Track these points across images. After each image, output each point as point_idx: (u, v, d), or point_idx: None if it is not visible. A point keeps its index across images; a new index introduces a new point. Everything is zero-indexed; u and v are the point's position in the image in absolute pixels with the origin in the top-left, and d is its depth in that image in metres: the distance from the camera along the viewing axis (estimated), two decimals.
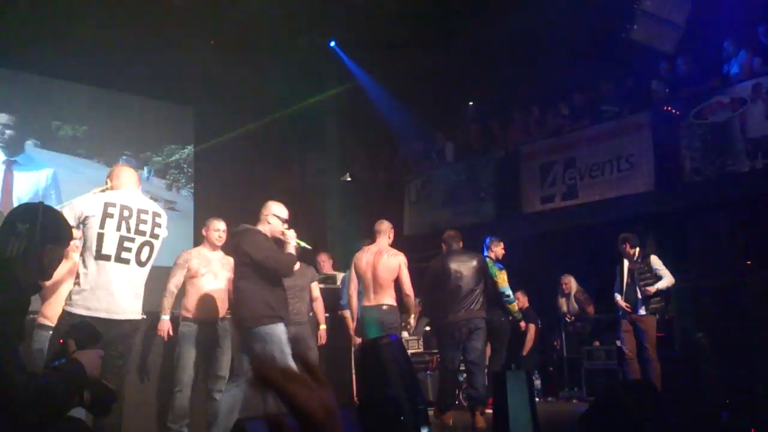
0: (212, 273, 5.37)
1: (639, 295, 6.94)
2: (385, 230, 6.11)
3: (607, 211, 8.39)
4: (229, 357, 5.36)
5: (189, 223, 9.50)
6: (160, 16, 8.35)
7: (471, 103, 11.03)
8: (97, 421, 3.44)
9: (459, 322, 6.14)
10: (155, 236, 3.99)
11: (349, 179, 11.39)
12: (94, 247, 3.77)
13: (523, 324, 7.85)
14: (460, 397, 7.14)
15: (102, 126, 9.25)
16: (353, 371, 6.77)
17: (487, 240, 6.99)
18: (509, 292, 6.85)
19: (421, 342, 8.13)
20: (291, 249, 4.69)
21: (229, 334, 5.40)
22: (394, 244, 6.18)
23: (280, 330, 4.56)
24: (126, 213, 3.87)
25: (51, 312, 4.61)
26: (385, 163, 11.50)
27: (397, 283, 6.00)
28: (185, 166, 10.20)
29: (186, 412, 5.18)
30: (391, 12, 9.15)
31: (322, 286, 6.79)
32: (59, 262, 2.70)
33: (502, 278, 6.78)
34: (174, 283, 5.30)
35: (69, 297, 3.79)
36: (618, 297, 7.06)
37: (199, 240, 8.86)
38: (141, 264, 3.92)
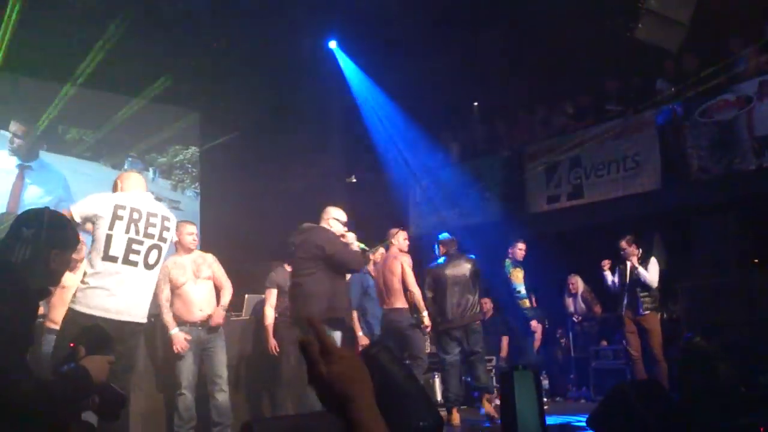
0: (191, 278, 5.33)
1: (639, 296, 7.02)
2: (391, 235, 6.49)
3: (613, 210, 8.37)
4: (224, 355, 5.37)
5: (196, 222, 9.51)
6: (168, 20, 8.38)
7: (476, 104, 11.02)
8: (104, 424, 3.44)
9: (455, 323, 6.36)
10: (164, 239, 4.00)
11: (354, 180, 11.39)
12: (102, 248, 3.78)
13: (534, 323, 7.86)
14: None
15: (108, 129, 9.27)
16: None
17: (511, 241, 7.41)
18: (520, 288, 7.13)
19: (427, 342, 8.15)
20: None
21: (221, 337, 5.40)
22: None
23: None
24: (135, 215, 3.88)
25: (59, 316, 4.62)
26: (390, 163, 11.48)
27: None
28: (189, 166, 10.23)
29: (192, 414, 5.18)
30: (395, 12, 9.14)
31: None
32: (67, 266, 2.70)
33: (515, 275, 7.14)
34: (165, 297, 5.23)
35: (74, 295, 3.80)
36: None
37: (204, 240, 8.97)
38: (149, 267, 3.93)
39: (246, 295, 6.70)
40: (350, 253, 4.91)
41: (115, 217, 3.82)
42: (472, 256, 6.72)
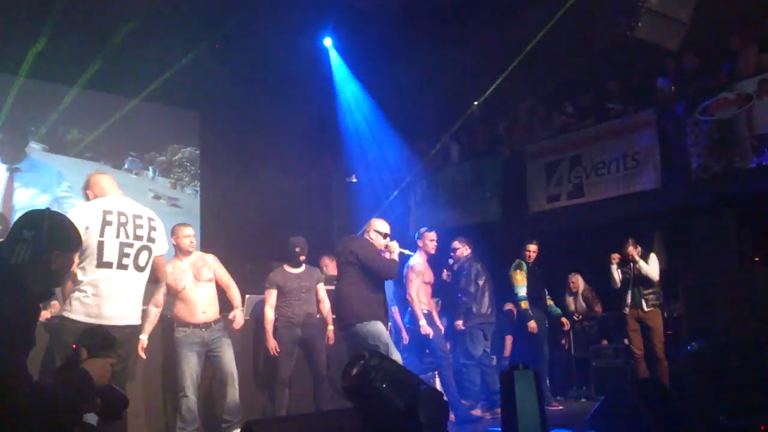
0: (192, 281, 5.32)
1: (643, 292, 7.08)
2: (420, 235, 6.82)
3: (613, 209, 8.37)
4: (232, 354, 5.37)
5: (195, 221, 9.54)
6: (168, 19, 8.37)
7: (476, 103, 11.00)
8: (105, 425, 3.44)
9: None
10: (152, 240, 4.00)
11: (354, 180, 11.38)
12: (95, 255, 3.78)
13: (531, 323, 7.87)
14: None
15: (108, 129, 9.27)
16: None
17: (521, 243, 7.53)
18: (518, 290, 7.18)
19: None
20: (395, 257, 5.26)
21: (226, 335, 5.40)
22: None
23: (381, 327, 5.01)
24: (123, 219, 3.88)
25: None
26: (390, 163, 11.48)
27: None
28: (188, 164, 10.23)
29: (194, 416, 5.18)
30: (396, 11, 9.13)
31: (328, 287, 6.79)
32: (69, 267, 2.69)
33: (514, 278, 7.21)
34: (154, 303, 5.13)
35: (68, 303, 3.79)
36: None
37: (204, 238, 8.99)
38: (139, 269, 3.94)
39: (246, 296, 6.70)
40: (382, 261, 5.17)
41: (105, 223, 3.82)
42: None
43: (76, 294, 3.76)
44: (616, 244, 7.33)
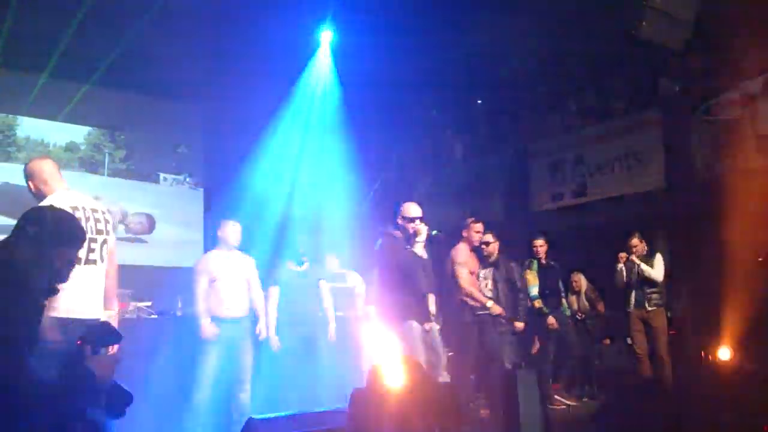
0: (229, 274, 5.41)
1: (647, 292, 7.08)
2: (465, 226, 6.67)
3: (617, 208, 8.36)
4: (250, 358, 5.41)
5: (198, 219, 9.57)
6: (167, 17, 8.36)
7: (480, 102, 10.99)
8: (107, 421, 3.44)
9: None
10: (108, 232, 3.93)
11: None
12: None
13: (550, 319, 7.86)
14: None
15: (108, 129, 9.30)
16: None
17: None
18: (529, 290, 7.18)
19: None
20: (422, 239, 5.23)
21: (249, 335, 5.43)
22: None
23: (414, 327, 5.07)
24: (87, 214, 3.80)
25: None
26: (394, 161, 11.48)
27: None
28: (190, 163, 10.23)
29: (203, 412, 5.19)
30: (398, 8, 9.11)
31: (331, 284, 6.79)
32: (73, 264, 2.68)
33: (526, 278, 7.20)
34: (201, 288, 5.33)
35: (49, 303, 3.74)
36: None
37: (208, 235, 8.97)
38: (102, 262, 3.86)
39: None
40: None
41: None
42: None
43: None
44: (620, 244, 7.31)
